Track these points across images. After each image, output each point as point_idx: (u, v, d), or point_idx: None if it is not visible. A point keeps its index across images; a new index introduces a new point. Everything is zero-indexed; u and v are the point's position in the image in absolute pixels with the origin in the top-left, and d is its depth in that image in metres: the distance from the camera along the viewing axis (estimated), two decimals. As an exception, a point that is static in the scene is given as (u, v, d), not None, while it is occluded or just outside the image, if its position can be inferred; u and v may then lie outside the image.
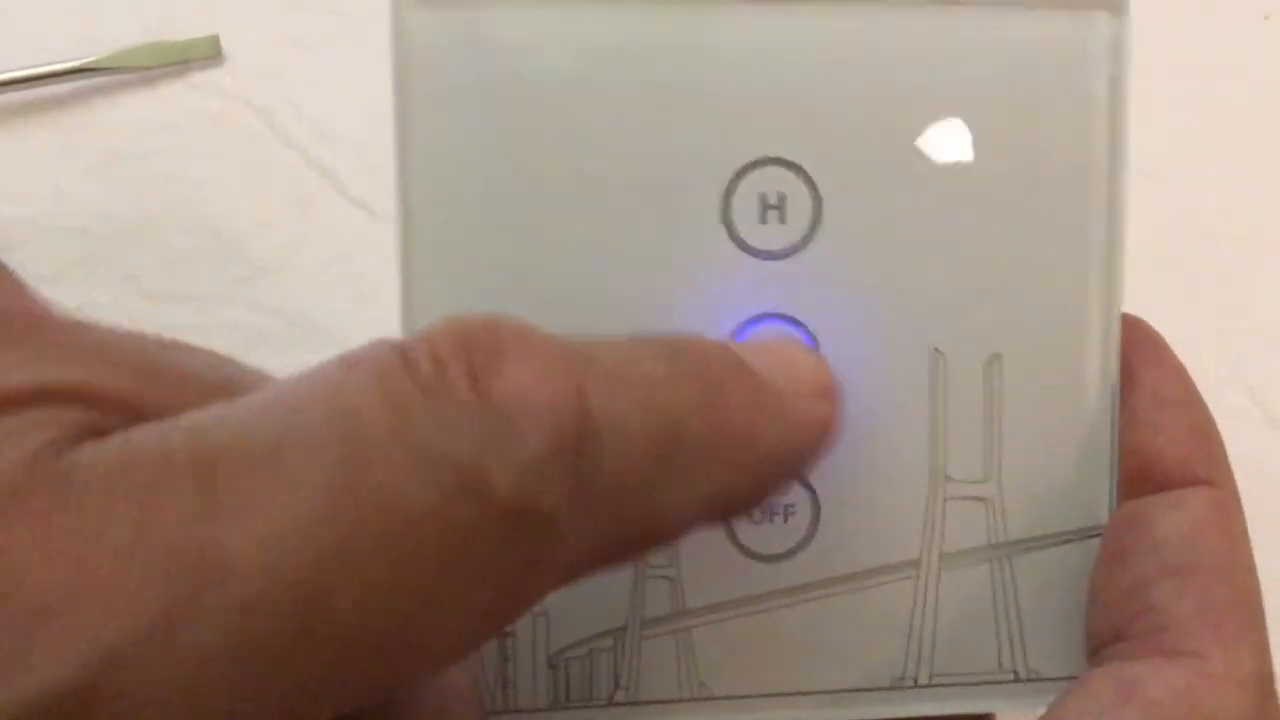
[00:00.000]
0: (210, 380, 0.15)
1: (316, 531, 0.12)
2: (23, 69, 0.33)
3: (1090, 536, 0.20)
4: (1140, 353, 0.20)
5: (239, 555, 0.12)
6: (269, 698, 0.12)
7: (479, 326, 0.14)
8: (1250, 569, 0.19)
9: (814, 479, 0.20)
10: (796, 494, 0.20)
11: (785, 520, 0.20)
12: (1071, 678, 0.19)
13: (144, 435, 0.12)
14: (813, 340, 0.19)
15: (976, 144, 0.19)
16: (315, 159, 0.33)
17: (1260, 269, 0.34)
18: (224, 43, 0.34)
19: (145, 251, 0.32)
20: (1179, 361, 0.20)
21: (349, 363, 0.13)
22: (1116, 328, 0.20)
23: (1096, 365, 0.20)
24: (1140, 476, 0.20)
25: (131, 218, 0.32)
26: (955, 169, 0.19)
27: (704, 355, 0.16)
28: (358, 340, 0.14)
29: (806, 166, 0.19)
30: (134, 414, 0.13)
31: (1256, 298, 0.33)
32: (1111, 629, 0.19)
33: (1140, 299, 0.21)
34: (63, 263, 0.32)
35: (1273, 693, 0.18)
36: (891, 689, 0.20)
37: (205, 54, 0.34)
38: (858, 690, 0.20)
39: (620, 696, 0.19)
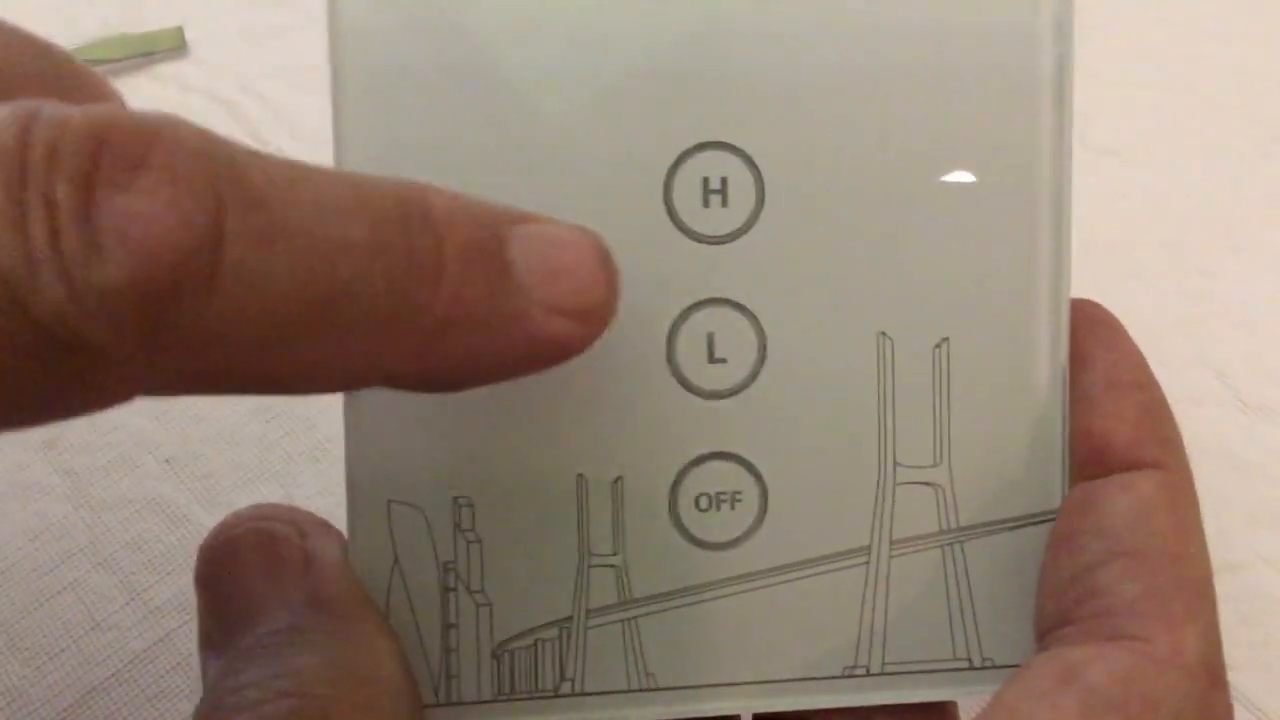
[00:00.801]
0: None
1: None
2: (-13, 63, 0.33)
3: (1042, 521, 0.20)
4: (1093, 335, 0.20)
5: None
6: None
7: (131, 125, 0.12)
8: (1201, 553, 0.19)
9: (761, 465, 0.19)
10: (744, 481, 0.19)
11: (733, 507, 0.19)
12: None
13: None
14: (757, 324, 0.19)
15: (921, 126, 0.19)
16: (280, 151, 0.33)
17: (1229, 249, 0.33)
18: (188, 35, 0.34)
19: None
20: (1133, 344, 0.20)
21: None
22: (1065, 310, 0.20)
23: (1046, 348, 0.20)
24: (1092, 459, 0.19)
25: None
26: (899, 151, 0.19)
27: (442, 232, 0.14)
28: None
29: (749, 150, 0.19)
30: None
31: (1225, 279, 0.33)
32: (1058, 613, 0.19)
33: (1108, 280, 0.20)
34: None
35: (1221, 679, 0.18)
36: (843, 677, 0.20)
37: (169, 46, 0.34)
38: (809, 679, 0.20)
39: (566, 688, 0.19)
